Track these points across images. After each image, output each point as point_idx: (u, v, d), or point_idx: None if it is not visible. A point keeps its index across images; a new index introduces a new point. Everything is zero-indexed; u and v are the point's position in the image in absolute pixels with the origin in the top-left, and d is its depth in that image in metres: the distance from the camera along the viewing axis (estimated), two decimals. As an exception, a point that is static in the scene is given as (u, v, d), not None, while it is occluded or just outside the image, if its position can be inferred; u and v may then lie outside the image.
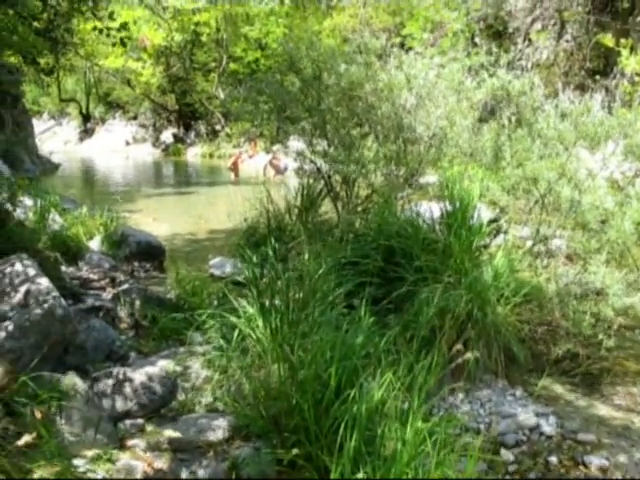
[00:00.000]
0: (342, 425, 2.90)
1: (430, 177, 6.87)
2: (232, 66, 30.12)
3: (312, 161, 7.05)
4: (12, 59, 14.36)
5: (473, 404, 4.29)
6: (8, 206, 5.78)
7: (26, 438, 2.88)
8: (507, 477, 3.57)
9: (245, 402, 3.65)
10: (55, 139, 38.72)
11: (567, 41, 15.29)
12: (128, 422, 3.49)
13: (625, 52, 12.20)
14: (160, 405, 3.72)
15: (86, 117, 38.84)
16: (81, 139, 38.65)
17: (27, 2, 7.89)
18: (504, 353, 4.51)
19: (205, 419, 3.55)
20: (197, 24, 29.55)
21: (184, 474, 3.12)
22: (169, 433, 3.40)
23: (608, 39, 13.03)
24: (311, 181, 7.19)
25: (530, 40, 16.14)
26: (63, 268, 6.21)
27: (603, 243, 4.80)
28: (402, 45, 16.48)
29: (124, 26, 8.99)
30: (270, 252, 4.85)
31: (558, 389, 4.55)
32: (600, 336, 4.46)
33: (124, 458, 3.12)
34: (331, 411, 3.12)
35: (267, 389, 3.53)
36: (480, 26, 17.61)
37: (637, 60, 12.00)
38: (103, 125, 39.08)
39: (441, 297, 4.38)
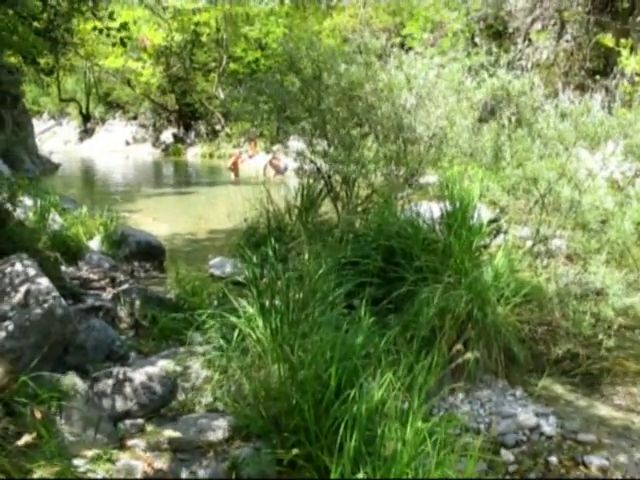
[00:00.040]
0: (342, 425, 2.90)
1: (430, 177, 6.87)
2: (232, 66, 30.13)
3: (312, 161, 7.05)
4: (12, 59, 14.35)
5: (473, 404, 4.29)
6: (8, 206, 5.78)
7: (26, 438, 2.88)
8: (507, 477, 3.57)
9: (245, 402, 3.65)
10: (55, 139, 38.71)
11: (567, 41, 15.29)
12: (128, 422, 3.49)
13: (625, 52, 12.20)
14: (160, 405, 3.72)
15: (86, 117, 38.84)
16: (81, 139, 38.66)
17: (27, 2, 7.88)
18: (504, 353, 4.50)
19: (205, 419, 3.55)
20: (197, 24, 29.56)
21: (184, 474, 3.12)
22: (169, 433, 3.40)
23: (608, 39, 13.03)
24: (311, 181, 7.19)
25: (530, 40, 16.14)
26: (63, 268, 6.21)
27: (603, 243, 4.80)
28: (402, 45, 16.48)
29: (124, 26, 8.97)
30: (270, 252, 4.85)
31: (558, 389, 4.55)
32: (600, 336, 4.46)
33: (124, 458, 3.12)
34: (331, 411, 3.12)
35: (267, 389, 3.53)
36: (480, 26, 17.60)
37: (637, 60, 12.00)
38: (103, 125, 39.09)
39: (441, 297, 4.37)
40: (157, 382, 3.72)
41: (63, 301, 4.05)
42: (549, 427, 4.00)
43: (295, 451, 3.08)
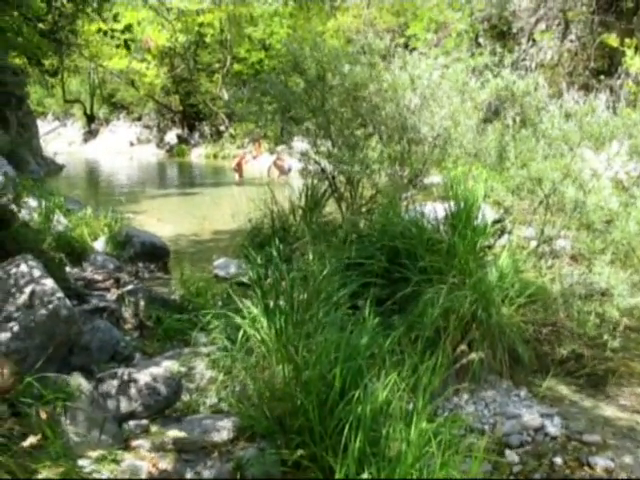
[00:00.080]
0: (347, 426, 2.90)
1: (434, 177, 6.87)
2: (236, 67, 30.17)
3: (316, 162, 7.05)
4: (17, 60, 14.41)
5: (478, 405, 4.28)
6: (13, 207, 5.80)
7: (31, 439, 2.88)
8: (512, 478, 3.57)
9: (250, 403, 3.65)
10: (59, 140, 38.81)
11: (571, 41, 15.26)
12: (133, 423, 3.49)
13: (629, 52, 12.19)
14: (164, 406, 3.72)
15: (90, 118, 38.93)
16: (85, 140, 38.76)
17: (32, 3, 7.91)
18: (509, 354, 4.50)
19: (210, 420, 3.55)
20: (201, 25, 29.66)
21: (189, 475, 3.13)
22: (174, 434, 3.41)
23: (612, 39, 13.02)
24: (315, 182, 7.19)
25: (534, 40, 16.11)
26: (68, 269, 6.23)
27: (608, 243, 4.79)
28: (406, 45, 16.46)
29: (128, 28, 8.99)
30: (274, 253, 4.85)
31: (563, 390, 4.54)
32: (605, 337, 4.45)
33: (129, 459, 3.13)
34: (336, 412, 3.12)
35: (272, 390, 3.53)
36: (484, 26, 17.58)
37: (642, 60, 11.99)
38: (107, 126, 39.18)
39: (446, 298, 4.37)
40: (162, 383, 3.72)
41: (68, 302, 4.06)
42: (554, 428, 4.00)
43: (300, 452, 3.08)
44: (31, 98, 27.72)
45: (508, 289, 4.65)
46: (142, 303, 5.35)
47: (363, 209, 6.86)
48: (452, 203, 5.20)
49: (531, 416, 4.09)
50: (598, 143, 5.16)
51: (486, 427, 4.03)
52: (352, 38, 13.21)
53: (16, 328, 3.72)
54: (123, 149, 34.17)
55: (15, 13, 7.52)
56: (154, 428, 3.51)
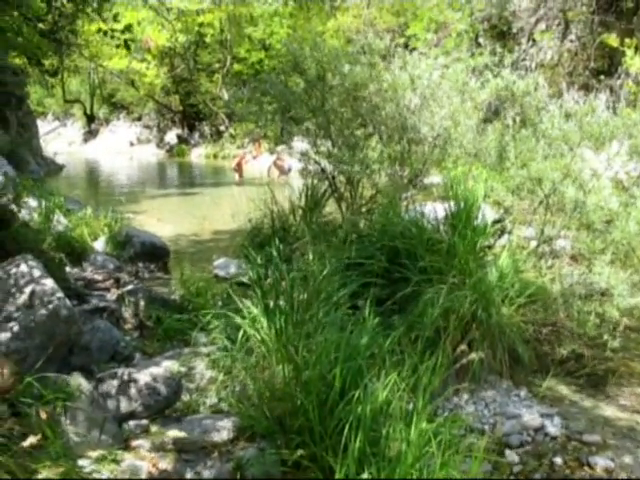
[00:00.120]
0: (347, 426, 2.90)
1: (434, 177, 6.87)
2: (236, 67, 30.17)
3: (316, 162, 7.05)
4: (17, 60, 14.41)
5: (478, 405, 4.28)
6: (13, 207, 5.79)
7: (31, 439, 2.88)
8: (512, 478, 3.57)
9: (250, 403, 3.65)
10: (59, 140, 38.82)
11: (571, 41, 15.26)
12: (133, 423, 3.49)
13: (630, 52, 12.19)
14: (165, 406, 3.72)
15: (90, 118, 38.94)
16: (85, 140, 38.77)
17: (32, 3, 7.91)
18: (509, 354, 4.50)
19: (210, 420, 3.55)
20: (201, 25, 29.66)
21: (189, 475, 3.13)
22: (174, 434, 3.41)
23: (612, 39, 13.02)
24: (315, 182, 7.19)
25: (534, 40, 16.11)
26: (68, 269, 6.23)
27: (608, 243, 4.79)
28: (406, 45, 16.46)
29: (128, 28, 8.99)
30: (274, 253, 4.85)
31: (563, 390, 4.54)
32: (605, 337, 4.45)
33: (129, 459, 3.13)
34: (336, 412, 3.12)
35: (272, 390, 3.53)
36: (484, 26, 17.58)
37: (642, 60, 11.99)
38: (107, 126, 39.19)
39: (446, 298, 4.37)
40: (162, 383, 3.72)
41: (68, 302, 4.06)
42: (554, 428, 4.00)
43: (300, 452, 3.08)
44: (31, 98, 27.73)
45: (508, 289, 4.65)
46: (142, 303, 5.34)
47: (363, 209, 6.86)
48: (452, 203, 5.20)
49: (531, 416, 4.09)
50: (598, 143, 5.16)
51: (486, 427, 4.03)
52: (352, 38, 13.21)
53: (16, 328, 3.72)
54: (123, 149, 34.18)
55: (15, 13, 7.52)
56: (154, 428, 3.51)
